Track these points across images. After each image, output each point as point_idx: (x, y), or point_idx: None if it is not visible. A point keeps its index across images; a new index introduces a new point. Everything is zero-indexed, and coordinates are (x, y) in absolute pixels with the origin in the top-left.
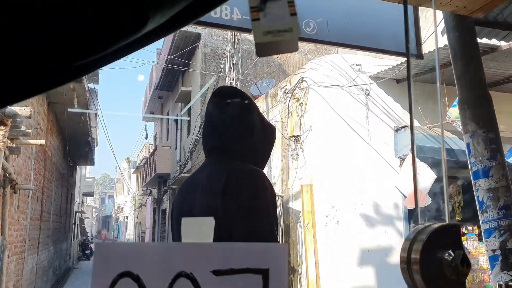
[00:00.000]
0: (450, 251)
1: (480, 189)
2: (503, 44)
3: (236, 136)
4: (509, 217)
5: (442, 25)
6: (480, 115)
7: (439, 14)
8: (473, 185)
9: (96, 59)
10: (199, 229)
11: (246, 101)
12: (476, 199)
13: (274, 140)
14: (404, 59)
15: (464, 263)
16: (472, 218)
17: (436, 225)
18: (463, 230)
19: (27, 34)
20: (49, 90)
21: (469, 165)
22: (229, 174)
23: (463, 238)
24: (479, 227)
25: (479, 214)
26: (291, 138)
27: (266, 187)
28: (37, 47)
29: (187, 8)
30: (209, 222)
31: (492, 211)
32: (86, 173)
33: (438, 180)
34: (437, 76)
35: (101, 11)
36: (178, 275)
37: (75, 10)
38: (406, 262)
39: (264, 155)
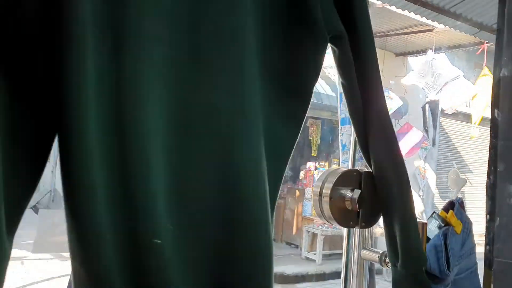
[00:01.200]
0: (350, 189)
1: (345, 133)
2: (378, 3)
3: None
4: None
5: None
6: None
7: None
8: (339, 130)
9: None
10: None
11: None
12: (339, 142)
13: None
14: None
15: (360, 198)
16: (324, 155)
17: (343, 169)
18: (316, 165)
19: None
20: None
21: (338, 111)
22: None
23: (315, 172)
24: (329, 163)
25: (340, 154)
26: None
27: None
28: None
29: None
30: None
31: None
32: None
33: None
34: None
35: None
36: None
37: None
38: (318, 195)
39: None
